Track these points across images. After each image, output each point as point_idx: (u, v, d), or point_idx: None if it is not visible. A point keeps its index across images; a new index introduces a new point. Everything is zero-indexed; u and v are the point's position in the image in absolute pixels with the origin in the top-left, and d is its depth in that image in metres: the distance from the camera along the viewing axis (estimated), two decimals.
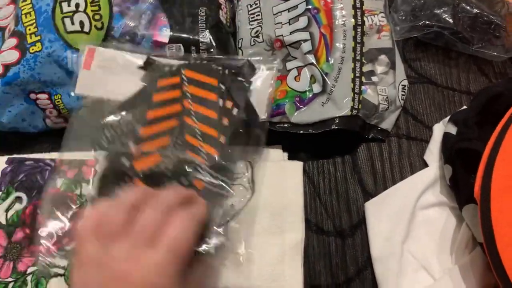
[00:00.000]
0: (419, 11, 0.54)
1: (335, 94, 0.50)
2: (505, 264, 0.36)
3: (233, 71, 0.47)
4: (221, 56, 0.49)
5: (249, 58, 0.49)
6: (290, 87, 0.51)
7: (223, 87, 0.46)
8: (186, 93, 0.45)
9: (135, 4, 0.50)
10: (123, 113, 0.45)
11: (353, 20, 0.52)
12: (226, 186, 0.42)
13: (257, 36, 0.53)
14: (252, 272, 0.44)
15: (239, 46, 0.54)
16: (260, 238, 0.45)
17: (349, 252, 0.47)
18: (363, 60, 0.51)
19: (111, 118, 0.45)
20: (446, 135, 0.48)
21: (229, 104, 0.46)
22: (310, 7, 0.52)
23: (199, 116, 0.45)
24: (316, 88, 0.50)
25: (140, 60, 0.48)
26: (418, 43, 0.56)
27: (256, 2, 0.55)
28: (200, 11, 0.50)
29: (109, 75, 0.48)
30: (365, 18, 0.52)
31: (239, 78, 0.47)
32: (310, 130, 0.50)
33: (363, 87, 0.51)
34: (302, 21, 0.52)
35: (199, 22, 0.50)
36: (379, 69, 0.52)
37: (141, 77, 0.47)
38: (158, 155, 0.42)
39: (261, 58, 0.50)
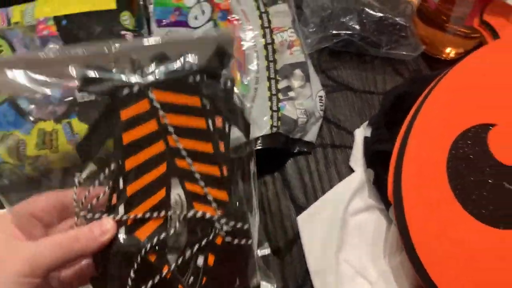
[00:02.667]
0: (328, 21, 0.55)
1: (253, 115, 0.50)
2: (423, 260, 0.37)
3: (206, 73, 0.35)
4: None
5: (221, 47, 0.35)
6: None
7: (207, 103, 0.35)
8: (167, 127, 0.34)
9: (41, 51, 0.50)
10: (93, 168, 0.34)
11: (263, 39, 0.53)
12: (246, 232, 0.36)
13: None
14: None
15: None
16: None
17: (287, 268, 0.47)
18: (278, 77, 0.52)
19: (85, 172, 0.34)
20: (365, 139, 0.49)
21: (218, 121, 0.36)
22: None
23: (192, 154, 0.34)
24: None
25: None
26: (332, 52, 0.57)
27: (167, 34, 0.55)
28: None
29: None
30: (274, 36, 0.53)
31: (221, 86, 0.36)
32: (234, 155, 0.50)
33: (280, 103, 0.51)
34: None
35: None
36: (296, 83, 0.53)
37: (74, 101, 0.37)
38: (160, 217, 0.33)
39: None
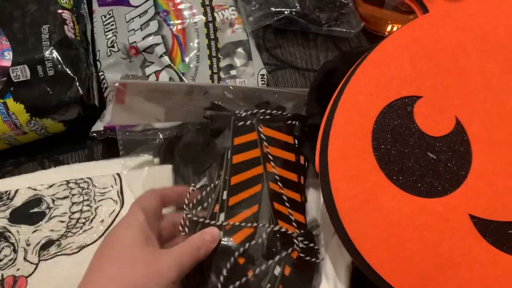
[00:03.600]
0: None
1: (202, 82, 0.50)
2: (348, 229, 0.38)
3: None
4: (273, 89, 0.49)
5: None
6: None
7: (296, 142, 0.45)
8: (268, 155, 0.44)
9: None
10: (205, 178, 0.44)
11: (203, 17, 0.53)
12: (316, 252, 0.42)
13: (113, 46, 0.53)
14: None
15: (97, 58, 0.53)
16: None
17: None
18: (220, 56, 0.52)
19: (201, 183, 0.44)
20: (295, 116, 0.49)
21: (302, 159, 0.45)
22: (159, 10, 0.52)
23: (283, 180, 0.43)
24: None
25: (175, 90, 0.46)
26: (276, 31, 0.58)
27: (109, 12, 0.54)
28: (43, 29, 0.49)
29: (144, 107, 0.46)
30: (215, 14, 0.53)
31: (306, 129, 0.46)
32: (175, 133, 0.50)
33: (222, 82, 0.51)
34: (153, 25, 0.52)
35: (43, 40, 0.48)
36: (238, 62, 0.53)
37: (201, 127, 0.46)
38: (251, 227, 0.40)
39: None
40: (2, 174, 0.52)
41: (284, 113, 0.47)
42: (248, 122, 0.45)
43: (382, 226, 0.37)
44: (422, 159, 0.38)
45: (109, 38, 0.53)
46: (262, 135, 0.45)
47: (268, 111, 0.47)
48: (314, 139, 0.45)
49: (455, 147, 0.37)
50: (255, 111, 0.47)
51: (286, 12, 0.54)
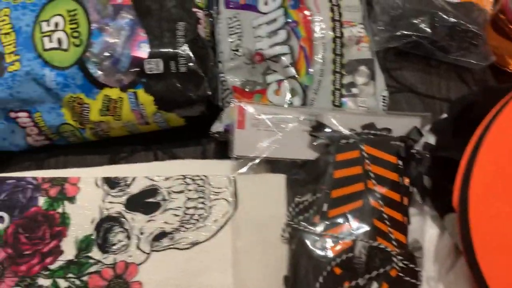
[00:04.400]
0: (398, 20, 0.55)
1: (315, 107, 0.50)
2: (485, 273, 0.36)
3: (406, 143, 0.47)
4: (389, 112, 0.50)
5: (416, 126, 0.48)
6: (270, 101, 0.51)
7: (401, 163, 0.46)
8: (369, 173, 0.45)
9: (114, 20, 0.50)
10: (309, 193, 0.46)
11: (332, 32, 0.52)
12: (416, 274, 0.43)
13: (237, 50, 0.53)
14: None
15: (219, 59, 0.54)
16: (243, 256, 0.45)
17: None
18: (343, 72, 0.52)
19: (306, 197, 0.46)
20: (425, 145, 0.48)
21: (406, 181, 0.46)
22: (289, 20, 0.53)
23: (384, 198, 0.44)
24: (296, 101, 0.50)
25: (293, 118, 0.48)
26: (398, 52, 0.57)
27: (235, 16, 0.55)
28: (178, 25, 0.50)
29: (264, 134, 0.48)
30: (344, 30, 0.53)
31: (413, 151, 0.47)
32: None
33: (343, 99, 0.51)
34: (282, 35, 0.52)
35: (177, 36, 0.50)
36: (360, 80, 0.53)
37: (309, 143, 0.48)
38: (349, 240, 0.43)
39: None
40: (117, 160, 0.53)
41: (389, 134, 0.48)
42: (352, 141, 0.47)
43: None
44: None
45: (233, 41, 0.54)
46: (364, 153, 0.46)
47: (373, 132, 0.48)
48: (443, 172, 0.44)
49: None
50: (360, 131, 0.48)
51: (414, 36, 0.53)
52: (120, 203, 0.48)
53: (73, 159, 0.54)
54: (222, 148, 0.53)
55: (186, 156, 0.53)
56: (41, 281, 0.45)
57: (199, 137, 0.54)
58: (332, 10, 0.53)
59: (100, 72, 0.49)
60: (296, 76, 0.50)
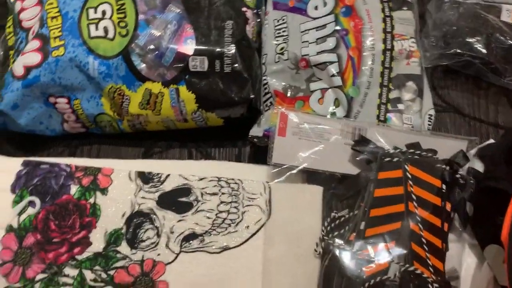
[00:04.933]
0: (451, 37, 0.53)
1: (359, 121, 0.48)
2: None
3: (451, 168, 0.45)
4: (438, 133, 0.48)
5: (463, 150, 0.46)
6: (312, 109, 0.50)
7: (444, 187, 0.44)
8: (411, 194, 0.43)
9: (162, 13, 0.49)
10: (346, 208, 0.46)
11: (382, 44, 0.51)
12: None
13: (282, 53, 0.52)
14: None
15: (263, 61, 0.53)
16: (274, 266, 0.44)
17: None
18: (390, 86, 0.50)
19: (343, 213, 0.45)
20: (471, 170, 0.46)
21: (448, 206, 0.45)
22: (339, 28, 0.51)
23: (424, 222, 0.43)
24: (340, 112, 0.49)
25: (336, 130, 0.47)
26: (447, 70, 0.55)
27: (283, 18, 0.54)
28: (227, 24, 0.49)
29: (305, 144, 0.47)
30: (394, 43, 0.51)
31: (458, 176, 0.45)
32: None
33: (388, 114, 0.49)
34: (330, 42, 0.50)
35: (225, 35, 0.48)
36: (406, 96, 0.51)
37: (350, 157, 0.46)
38: (385, 262, 0.41)
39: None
40: (151, 154, 0.53)
41: (435, 156, 0.46)
42: (395, 159, 0.46)
43: None
44: None
45: (278, 44, 0.53)
46: (408, 174, 0.45)
47: (418, 152, 0.46)
48: (490, 202, 0.42)
49: None
50: (404, 150, 0.47)
51: (467, 56, 0.51)
52: (152, 199, 0.47)
53: (106, 149, 0.53)
54: (257, 153, 0.52)
55: (220, 157, 0.52)
56: (68, 270, 0.45)
57: (235, 139, 0.53)
58: (384, 21, 0.52)
59: (143, 65, 0.48)
60: (342, 86, 0.49)
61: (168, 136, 0.53)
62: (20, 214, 0.47)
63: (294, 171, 0.46)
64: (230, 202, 0.47)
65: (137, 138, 0.53)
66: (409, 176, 0.44)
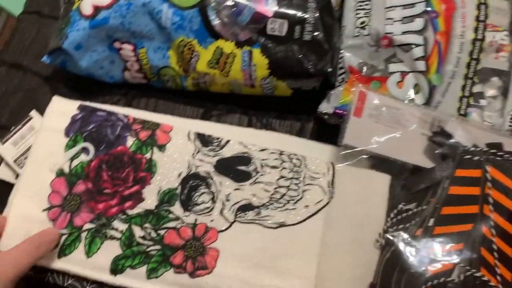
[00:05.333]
0: None
1: (438, 111, 0.45)
2: None
3: None
4: None
5: None
6: (390, 92, 0.47)
7: None
8: (488, 197, 0.41)
9: None
10: (415, 202, 0.43)
11: (473, 33, 0.47)
12: None
13: (363, 28, 0.48)
14: None
15: (341, 33, 0.49)
16: (331, 250, 0.42)
17: None
18: (475, 80, 0.47)
19: (411, 206, 0.43)
20: None
21: None
22: (429, 9, 0.47)
23: (498, 228, 0.40)
24: (419, 99, 0.46)
25: (415, 118, 0.44)
26: None
27: None
28: None
29: (381, 128, 0.44)
30: (486, 33, 0.47)
31: None
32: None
33: (469, 109, 0.46)
34: (418, 23, 0.47)
35: (309, 1, 0.45)
36: (489, 92, 0.47)
37: (426, 149, 0.43)
38: (450, 263, 0.39)
39: None
40: (209, 116, 0.50)
41: None
42: (476, 158, 0.43)
43: None
44: None
45: (359, 18, 0.49)
46: (487, 175, 0.42)
47: (501, 153, 0.43)
48: None
49: None
50: (486, 149, 0.43)
51: None
52: (210, 163, 0.45)
53: (164, 105, 0.51)
54: (322, 130, 0.49)
55: (281, 129, 0.50)
56: (117, 224, 0.43)
57: (299, 113, 0.50)
58: (478, 8, 0.48)
59: (218, 21, 0.45)
60: (426, 72, 0.46)
61: (229, 100, 0.50)
62: (72, 159, 0.45)
63: (365, 156, 0.43)
64: (291, 178, 0.45)
65: (197, 97, 0.51)
66: (489, 178, 0.41)
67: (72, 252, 0.42)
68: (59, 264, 0.42)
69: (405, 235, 0.41)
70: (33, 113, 0.50)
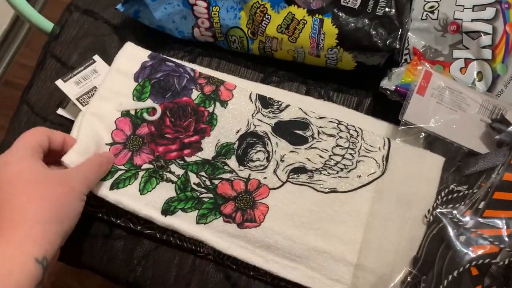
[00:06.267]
0: None
1: (500, 99, 0.46)
2: None
3: None
4: None
5: None
6: (452, 77, 0.47)
7: None
8: None
9: None
10: (466, 184, 0.44)
11: None
12: None
13: (432, 12, 0.49)
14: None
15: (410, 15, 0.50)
16: (378, 221, 0.43)
17: None
18: None
19: (462, 188, 0.44)
20: None
21: None
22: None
23: None
24: (482, 87, 0.46)
25: (476, 104, 0.44)
26: None
27: None
28: None
29: (442, 109, 0.45)
30: None
31: None
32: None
33: None
34: (489, 12, 0.47)
35: None
36: None
37: (484, 135, 0.44)
38: (496, 246, 0.41)
39: None
40: (269, 82, 0.52)
41: None
42: None
43: None
44: None
45: (429, 1, 0.50)
46: None
47: None
48: None
49: None
50: None
51: None
52: (268, 124, 0.47)
53: (225, 66, 0.52)
54: (379, 106, 0.50)
55: (338, 102, 0.51)
56: (174, 168, 0.45)
57: (358, 87, 0.51)
58: None
59: None
60: (491, 60, 0.46)
61: (290, 69, 0.52)
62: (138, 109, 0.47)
63: (423, 134, 0.44)
64: (347, 148, 0.46)
65: (258, 62, 0.52)
66: None
67: (125, 186, 0.44)
68: (113, 195, 0.43)
69: (454, 214, 0.42)
70: (96, 57, 0.51)
